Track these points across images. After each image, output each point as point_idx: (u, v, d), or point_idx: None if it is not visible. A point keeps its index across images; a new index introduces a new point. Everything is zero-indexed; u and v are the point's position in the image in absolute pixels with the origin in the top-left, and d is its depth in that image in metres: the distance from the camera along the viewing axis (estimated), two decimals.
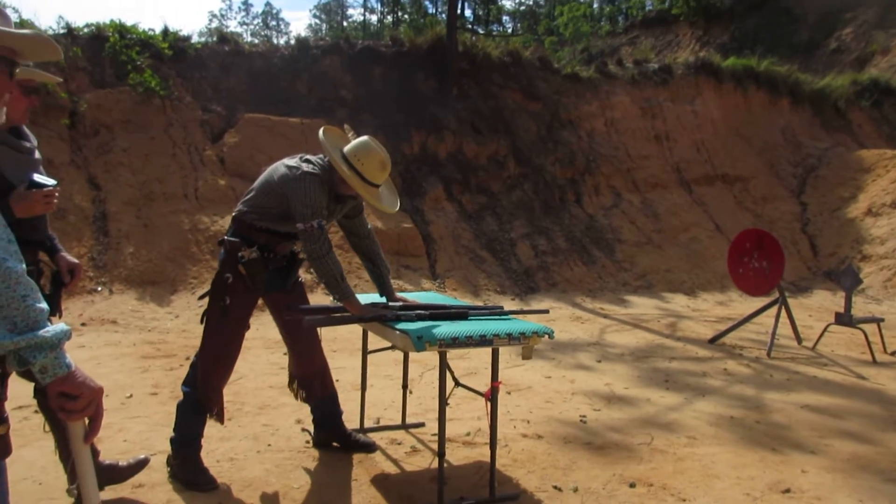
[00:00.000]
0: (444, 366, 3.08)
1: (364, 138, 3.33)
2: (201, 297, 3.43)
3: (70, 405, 1.43)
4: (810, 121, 14.95)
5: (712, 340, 7.15)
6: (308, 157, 3.31)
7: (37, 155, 2.83)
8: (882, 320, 7.07)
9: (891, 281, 10.32)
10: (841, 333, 7.47)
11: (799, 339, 7.15)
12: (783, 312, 6.93)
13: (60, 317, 2.90)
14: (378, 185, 3.32)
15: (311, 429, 3.82)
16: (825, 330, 7.11)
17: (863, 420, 4.63)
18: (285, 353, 3.80)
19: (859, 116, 15.56)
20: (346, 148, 3.29)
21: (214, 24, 51.62)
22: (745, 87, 14.61)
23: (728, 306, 9.65)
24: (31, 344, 1.35)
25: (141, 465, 3.16)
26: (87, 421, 1.49)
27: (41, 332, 1.37)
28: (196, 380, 3.26)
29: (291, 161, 3.28)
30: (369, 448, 3.72)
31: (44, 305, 1.42)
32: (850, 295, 6.93)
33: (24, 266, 1.44)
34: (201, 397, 3.24)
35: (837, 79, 16.53)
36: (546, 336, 3.13)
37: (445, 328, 3.01)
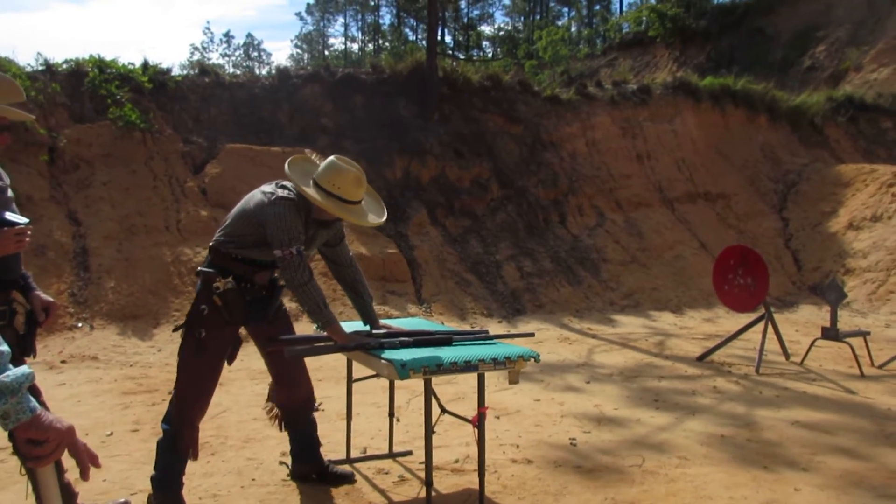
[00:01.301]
0: (429, 393, 3.03)
1: (331, 159, 3.28)
2: (175, 330, 3.35)
3: (37, 451, 1.37)
4: (788, 137, 15.15)
5: (700, 358, 7.13)
6: (284, 183, 3.27)
7: (9, 193, 2.78)
8: (868, 333, 7.08)
9: (875, 294, 10.38)
10: (828, 348, 7.48)
11: (787, 355, 7.15)
12: (770, 328, 6.93)
13: (34, 357, 2.83)
14: (359, 202, 3.28)
15: (289, 461, 3.75)
16: (812, 345, 7.11)
17: (854, 435, 4.60)
18: (269, 384, 3.73)
19: (836, 132, 15.77)
20: (317, 175, 3.25)
21: (196, 56, 51.73)
22: (722, 105, 14.79)
23: (715, 323, 9.65)
24: None
25: None
26: (54, 465, 1.43)
27: (0, 377, 1.32)
28: (172, 416, 3.18)
29: (267, 187, 3.24)
30: (348, 479, 3.64)
31: (4, 348, 1.37)
32: (836, 309, 6.95)
33: None
34: (178, 434, 3.16)
35: (813, 95, 16.78)
36: (532, 360, 3.09)
37: (429, 354, 2.97)
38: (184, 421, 3.15)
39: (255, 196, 3.24)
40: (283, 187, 3.23)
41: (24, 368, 1.36)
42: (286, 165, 3.27)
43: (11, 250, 2.59)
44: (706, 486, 3.63)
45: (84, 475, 1.44)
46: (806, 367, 6.80)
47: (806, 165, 14.10)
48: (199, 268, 3.27)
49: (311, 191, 3.16)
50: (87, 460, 1.43)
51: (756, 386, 6.01)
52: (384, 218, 3.47)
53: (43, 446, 1.36)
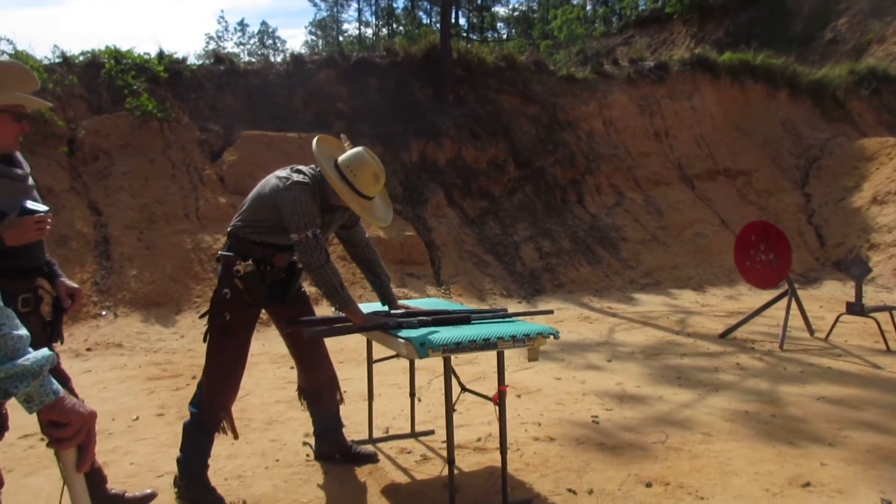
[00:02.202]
0: (448, 371, 3.03)
1: (359, 149, 3.28)
2: (202, 316, 3.38)
3: (59, 433, 1.37)
4: (810, 112, 14.89)
5: (723, 335, 7.07)
6: (299, 167, 3.27)
7: (30, 181, 2.80)
8: (894, 308, 6.97)
9: None
10: (853, 323, 7.38)
11: (811, 331, 7.07)
12: (794, 304, 6.85)
13: (62, 343, 2.86)
14: (371, 198, 3.27)
15: (312, 442, 3.77)
16: (837, 320, 7.02)
17: (881, 410, 4.54)
18: (292, 367, 3.75)
19: (859, 105, 15.48)
20: (340, 158, 3.25)
21: (212, 45, 51.84)
22: (742, 81, 14.56)
23: (737, 300, 9.56)
24: (10, 374, 1.30)
25: (147, 499, 3.09)
26: (77, 449, 1.43)
27: (21, 360, 1.32)
28: (202, 400, 3.21)
29: (282, 172, 3.24)
30: (371, 459, 3.66)
31: (23, 332, 1.37)
32: (861, 284, 6.85)
33: None
34: (208, 417, 3.19)
35: (835, 69, 16.46)
36: (551, 337, 3.07)
37: (448, 333, 2.96)
38: (216, 404, 3.18)
39: (271, 181, 3.24)
40: (299, 171, 3.23)
41: (44, 351, 1.37)
42: (314, 142, 3.28)
43: (33, 238, 2.60)
44: (730, 461, 3.61)
45: (82, 465, 1.44)
46: (831, 343, 6.73)
47: (828, 140, 13.86)
48: (220, 252, 3.29)
49: (329, 169, 3.16)
50: (90, 454, 1.44)
51: (780, 362, 5.95)
52: (388, 221, 3.46)
53: (65, 429, 1.37)
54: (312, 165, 3.31)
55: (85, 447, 1.42)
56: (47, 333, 2.74)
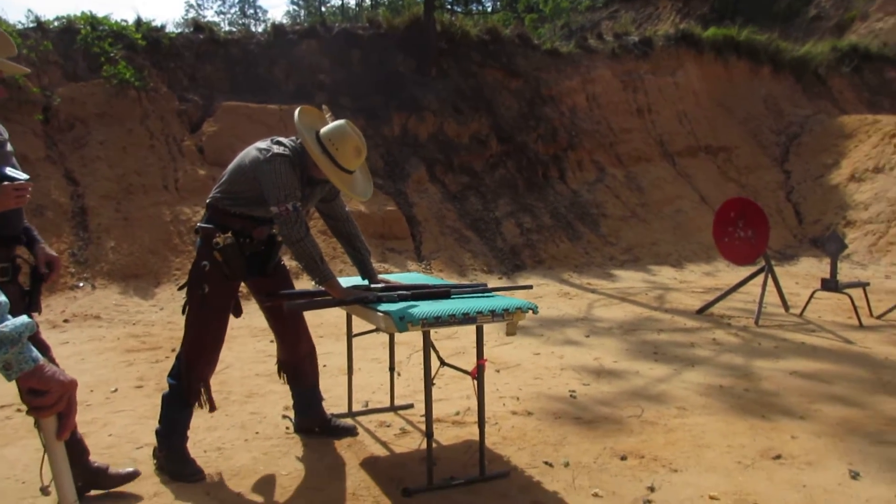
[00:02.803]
0: (427, 345, 3.05)
1: (341, 122, 3.25)
2: (181, 288, 3.37)
3: (39, 401, 1.37)
4: (792, 88, 14.95)
5: (700, 311, 7.16)
6: (280, 139, 3.24)
7: (8, 147, 2.75)
8: (867, 284, 7.09)
9: (875, 245, 10.37)
10: (827, 299, 7.50)
11: (786, 307, 7.17)
12: (770, 280, 6.94)
13: (40, 313, 2.84)
14: (352, 172, 3.25)
15: (292, 415, 3.79)
16: (812, 296, 7.13)
17: (851, 384, 4.64)
18: (272, 341, 3.75)
19: (840, 83, 15.56)
20: (322, 131, 3.22)
21: (191, 14, 50.81)
22: (725, 57, 14.57)
23: (715, 277, 9.67)
24: None
25: (130, 477, 3.05)
26: (57, 417, 1.43)
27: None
28: (181, 372, 3.21)
29: (262, 144, 3.21)
30: (350, 432, 3.69)
31: (2, 299, 1.37)
32: (836, 261, 6.95)
33: None
34: (187, 389, 3.19)
35: (817, 46, 16.51)
36: (530, 311, 3.09)
37: (427, 307, 2.97)
38: (194, 376, 3.18)
39: (251, 153, 3.20)
40: (280, 143, 3.20)
41: (23, 318, 1.36)
42: (296, 112, 3.24)
43: (11, 205, 2.57)
44: (704, 435, 3.68)
45: (62, 433, 1.44)
46: (805, 319, 6.84)
47: (809, 117, 13.95)
48: (198, 224, 3.26)
49: (311, 142, 3.14)
50: (70, 422, 1.43)
51: (755, 338, 6.05)
52: (368, 196, 3.45)
53: (45, 397, 1.37)
54: (293, 137, 3.28)
55: (65, 415, 1.42)
56: (25, 303, 2.72)
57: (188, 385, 3.18)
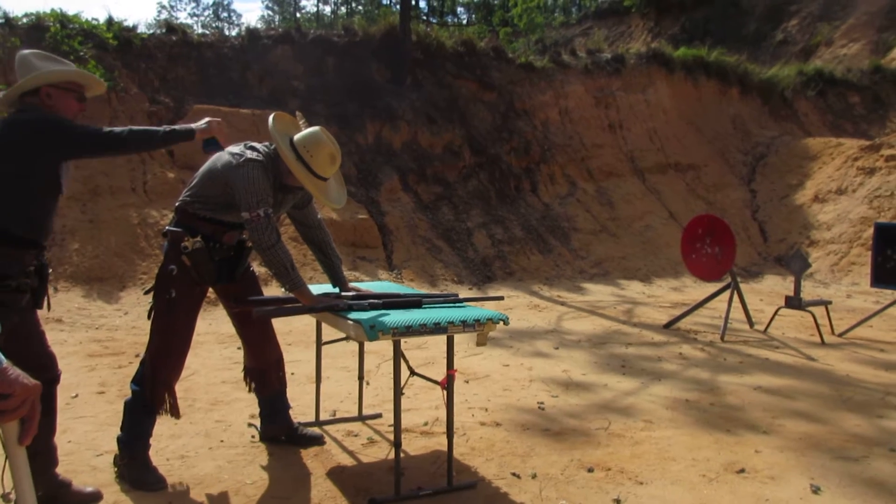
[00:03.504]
0: (398, 355, 3.03)
1: (315, 129, 3.23)
2: (147, 292, 3.31)
3: (1, 405, 1.33)
4: (759, 110, 15.27)
5: (667, 325, 7.24)
6: (253, 144, 3.21)
7: None
8: (830, 303, 7.24)
9: (837, 265, 10.60)
10: (791, 316, 7.64)
11: (751, 323, 7.29)
12: (735, 297, 7.04)
13: (42, 309, 2.87)
14: (326, 179, 3.23)
15: (258, 423, 3.74)
16: (776, 313, 7.26)
17: (813, 400, 4.72)
18: (239, 348, 3.70)
19: (805, 106, 15.93)
20: (296, 137, 3.19)
21: (163, 15, 50.31)
22: (695, 76, 14.84)
23: (682, 292, 9.80)
24: None
25: (93, 497, 2.95)
26: (20, 421, 1.39)
27: None
28: (145, 377, 3.14)
29: (235, 148, 3.18)
30: (317, 441, 3.65)
31: None
32: (800, 279, 7.08)
33: None
34: (151, 395, 3.13)
35: (784, 69, 16.90)
36: (501, 322, 3.09)
37: (398, 316, 2.96)
38: (159, 382, 3.12)
39: (223, 157, 3.17)
40: (253, 149, 3.17)
41: None
42: (270, 119, 3.22)
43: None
44: (670, 448, 3.71)
45: (24, 438, 1.39)
46: (769, 335, 6.95)
47: (775, 138, 14.26)
48: (167, 227, 3.21)
49: (285, 148, 3.11)
50: (33, 427, 1.39)
51: (721, 353, 6.13)
52: (342, 204, 3.43)
53: (8, 400, 1.32)
54: (267, 143, 3.25)
55: (28, 420, 1.37)
56: (33, 300, 2.81)
57: (152, 391, 3.12)
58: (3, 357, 1.33)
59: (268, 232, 3.01)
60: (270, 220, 3.03)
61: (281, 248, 3.07)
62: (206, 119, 3.21)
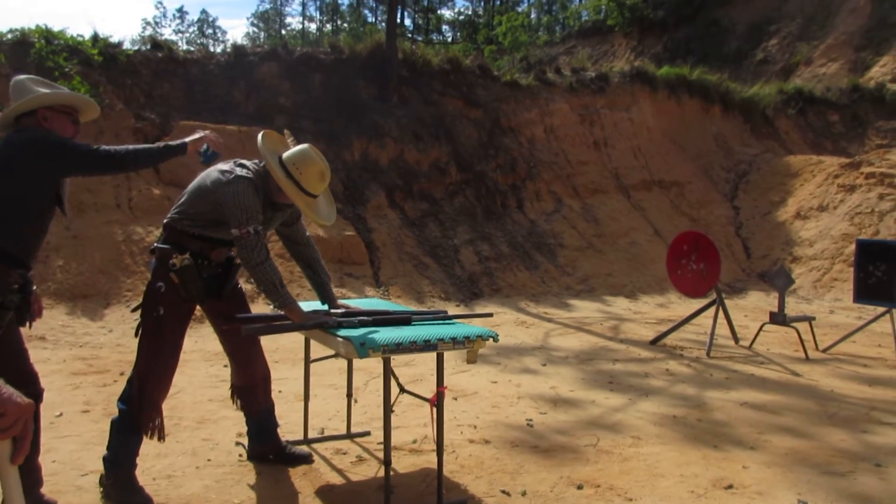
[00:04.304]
0: (388, 372, 3.03)
1: (304, 146, 3.24)
2: (134, 310, 3.29)
3: None
4: (741, 128, 15.48)
5: (654, 342, 7.27)
6: (242, 161, 3.21)
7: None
8: (813, 319, 7.32)
9: (820, 281, 10.72)
10: (775, 332, 7.70)
11: (736, 339, 7.34)
12: (721, 313, 7.10)
13: (30, 327, 2.87)
14: (315, 196, 3.24)
15: (245, 442, 3.71)
16: (761, 329, 7.32)
17: (798, 415, 4.76)
18: (225, 365, 3.68)
19: (786, 124, 16.18)
20: (285, 155, 3.20)
21: (148, 31, 50.30)
22: (678, 95, 15.03)
23: (668, 308, 9.85)
24: None
25: None
26: (12, 441, 1.37)
27: None
28: (132, 396, 3.11)
29: (225, 166, 3.18)
30: (305, 460, 3.62)
31: None
32: (784, 295, 7.15)
33: None
34: (138, 415, 3.09)
35: (765, 88, 17.17)
36: (491, 339, 3.10)
37: (388, 333, 2.96)
38: (146, 402, 3.09)
39: (212, 174, 3.17)
40: (242, 166, 3.18)
41: None
42: (259, 137, 3.23)
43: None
44: (658, 464, 3.72)
45: (16, 457, 1.38)
46: (754, 351, 7.00)
47: (757, 156, 14.45)
48: (155, 244, 3.20)
49: (275, 165, 3.12)
50: (26, 446, 1.38)
51: (707, 369, 6.16)
52: (332, 221, 3.46)
53: (1, 419, 1.31)
54: (256, 160, 3.25)
55: (21, 439, 1.36)
56: (15, 318, 2.82)
57: (139, 410, 3.09)
58: None
59: (257, 249, 3.01)
60: (260, 237, 3.03)
61: (270, 265, 3.06)
62: (198, 132, 3.24)
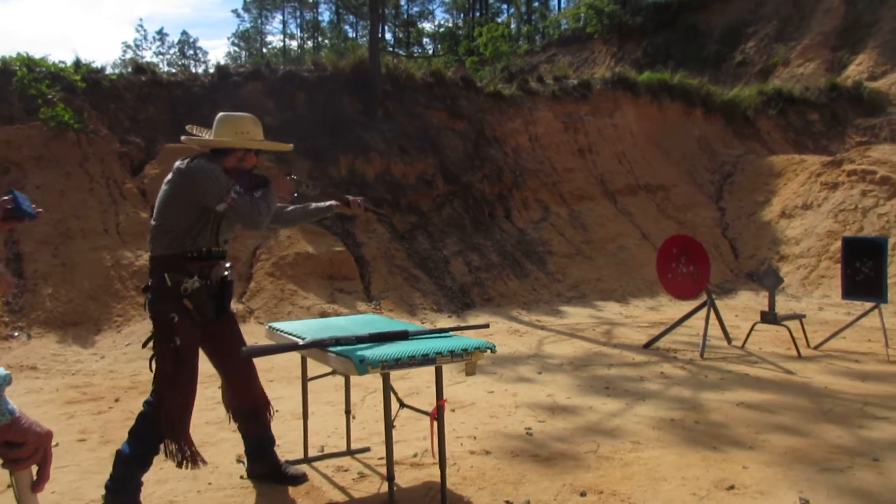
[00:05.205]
0: (387, 388, 3.04)
1: (221, 115, 3.38)
2: (145, 345, 3.28)
3: (14, 454, 1.33)
4: (723, 130, 15.63)
5: (647, 345, 7.31)
6: (183, 158, 3.26)
7: None
8: (804, 316, 7.38)
9: (807, 279, 10.81)
10: (766, 331, 7.76)
11: (728, 339, 7.39)
12: (712, 314, 7.14)
13: None
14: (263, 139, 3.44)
15: (245, 461, 3.71)
16: (752, 329, 7.37)
17: (794, 413, 4.80)
18: (220, 387, 3.66)
19: (767, 124, 16.35)
20: (220, 134, 3.31)
21: (129, 54, 50.21)
22: (660, 99, 15.16)
23: (659, 311, 9.90)
24: None
25: None
26: (34, 469, 1.39)
27: None
28: (141, 430, 3.11)
29: (171, 174, 3.24)
30: (300, 480, 3.60)
31: None
32: (773, 294, 7.21)
33: None
34: (177, 449, 3.13)
35: (745, 90, 17.37)
36: (488, 351, 3.12)
37: (386, 349, 2.97)
38: (177, 432, 3.11)
39: (169, 185, 3.22)
40: (183, 159, 3.25)
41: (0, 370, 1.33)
42: (186, 141, 3.40)
43: None
44: (659, 468, 3.74)
45: (39, 485, 1.40)
46: (747, 351, 7.05)
47: (740, 157, 14.58)
48: (150, 283, 3.19)
49: (229, 139, 3.27)
50: (47, 474, 1.39)
51: (701, 370, 6.20)
52: (291, 145, 3.72)
53: (22, 449, 1.33)
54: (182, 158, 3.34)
55: (42, 467, 1.38)
56: None
57: (177, 444, 3.12)
58: (15, 407, 1.33)
59: (251, 206, 3.10)
60: (242, 196, 3.09)
61: (266, 205, 3.19)
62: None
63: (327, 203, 3.73)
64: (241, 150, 3.31)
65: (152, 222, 3.24)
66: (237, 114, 3.38)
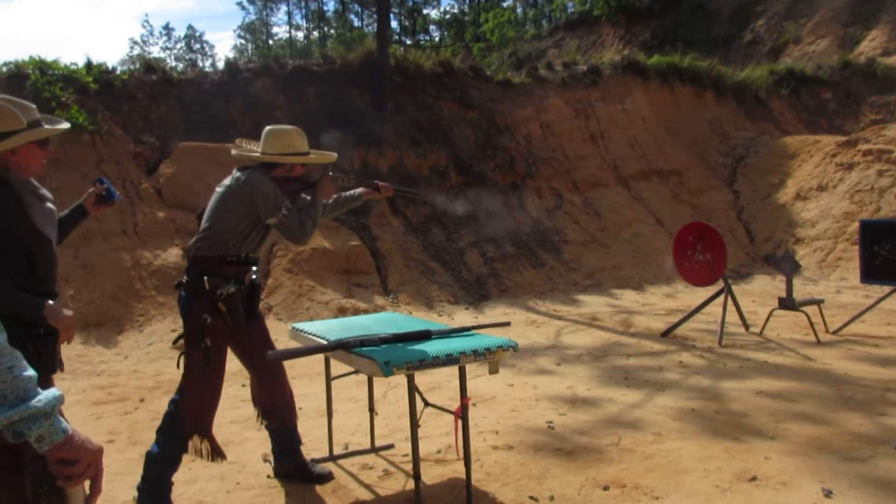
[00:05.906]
0: (412, 388, 3.08)
1: (269, 129, 3.44)
2: (175, 344, 3.38)
3: (69, 470, 1.39)
4: (734, 112, 15.50)
5: (665, 334, 7.32)
6: (241, 168, 3.36)
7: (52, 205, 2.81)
8: (822, 301, 7.36)
9: (824, 261, 10.76)
10: (784, 317, 7.75)
11: (746, 326, 7.38)
12: (730, 301, 7.14)
13: (62, 370, 2.85)
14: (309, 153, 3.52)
15: (272, 460, 3.79)
16: (770, 315, 7.36)
17: (815, 401, 4.80)
18: (244, 385, 3.73)
19: (779, 105, 16.20)
20: (268, 148, 3.39)
21: (136, 50, 50.35)
22: (671, 83, 15.05)
23: (675, 298, 9.89)
24: (24, 416, 1.32)
25: None
26: (87, 483, 1.44)
27: (33, 401, 1.33)
28: (169, 429, 3.19)
29: (228, 180, 3.35)
30: (326, 479, 3.67)
31: (31, 373, 1.38)
32: (791, 280, 7.19)
33: (5, 336, 1.38)
34: (208, 446, 3.26)
35: (756, 70, 17.20)
36: (511, 349, 3.15)
37: (411, 350, 3.00)
38: (201, 428, 3.22)
39: (227, 185, 3.32)
40: (241, 170, 3.36)
41: (54, 391, 1.38)
42: (236, 156, 3.49)
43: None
44: (681, 460, 3.76)
45: (92, 499, 1.46)
46: (765, 337, 7.05)
47: (753, 139, 14.47)
48: (183, 279, 3.26)
49: (276, 156, 3.36)
50: (100, 487, 1.45)
51: (720, 358, 6.21)
52: (335, 155, 3.76)
53: (75, 466, 1.38)
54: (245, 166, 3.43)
55: (94, 482, 1.43)
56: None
57: (203, 440, 3.25)
58: (68, 425, 1.38)
59: (297, 224, 3.24)
60: (292, 212, 3.24)
61: (311, 221, 3.33)
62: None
63: (357, 191, 3.80)
64: (288, 164, 3.41)
65: (204, 223, 3.34)
66: (283, 127, 3.43)
